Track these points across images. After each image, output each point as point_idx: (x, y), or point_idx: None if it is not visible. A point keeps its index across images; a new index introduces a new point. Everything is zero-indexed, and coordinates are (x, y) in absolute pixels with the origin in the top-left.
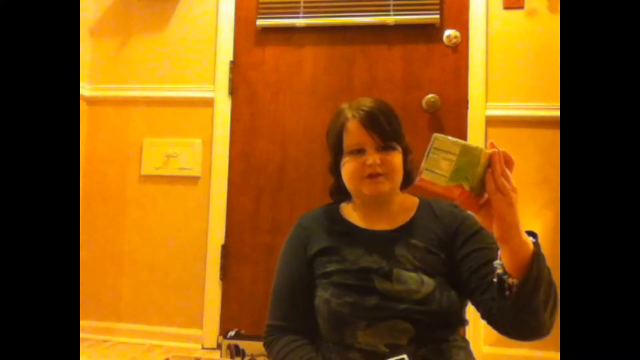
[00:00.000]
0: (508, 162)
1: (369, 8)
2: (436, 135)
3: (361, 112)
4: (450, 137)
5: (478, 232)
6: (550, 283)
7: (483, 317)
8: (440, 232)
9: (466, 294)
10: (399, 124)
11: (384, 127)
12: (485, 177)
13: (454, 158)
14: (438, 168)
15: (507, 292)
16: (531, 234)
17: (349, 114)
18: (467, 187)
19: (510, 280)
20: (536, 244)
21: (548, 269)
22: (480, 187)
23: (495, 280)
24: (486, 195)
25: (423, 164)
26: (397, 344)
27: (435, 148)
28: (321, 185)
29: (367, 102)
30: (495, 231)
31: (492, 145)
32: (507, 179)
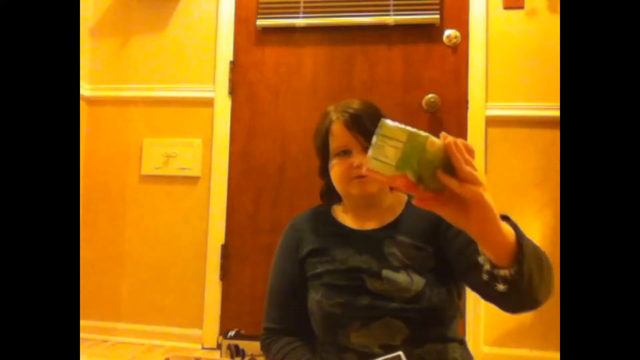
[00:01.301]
0: (469, 152)
1: (369, 8)
2: (383, 121)
3: (345, 115)
4: (397, 124)
5: None
6: (541, 259)
7: (483, 298)
8: (426, 225)
9: (459, 277)
10: None
11: (368, 128)
12: (439, 171)
13: (400, 145)
14: (384, 156)
15: (502, 286)
16: (503, 217)
17: (333, 116)
18: (411, 177)
19: (502, 273)
20: (515, 228)
21: (534, 248)
22: (433, 182)
23: (485, 277)
24: (447, 192)
25: (370, 153)
26: (391, 344)
27: (382, 135)
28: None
29: (352, 104)
30: (472, 228)
31: (445, 137)
32: (474, 167)
